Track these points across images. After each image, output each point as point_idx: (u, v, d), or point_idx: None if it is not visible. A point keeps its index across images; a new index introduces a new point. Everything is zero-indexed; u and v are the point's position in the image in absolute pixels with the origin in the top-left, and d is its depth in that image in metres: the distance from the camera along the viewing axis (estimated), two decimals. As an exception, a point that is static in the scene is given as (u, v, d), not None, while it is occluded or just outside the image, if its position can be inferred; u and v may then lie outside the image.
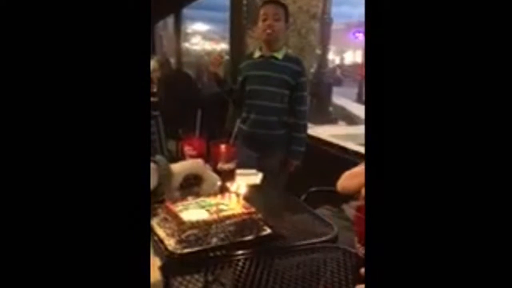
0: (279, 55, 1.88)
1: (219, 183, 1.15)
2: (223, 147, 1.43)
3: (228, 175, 1.28)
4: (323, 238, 0.98)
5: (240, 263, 0.86)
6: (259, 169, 1.47)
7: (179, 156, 1.50)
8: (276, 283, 0.79)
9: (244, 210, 0.98)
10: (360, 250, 0.58)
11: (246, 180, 1.25)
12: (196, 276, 0.82)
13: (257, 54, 1.95)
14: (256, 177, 1.38)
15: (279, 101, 1.86)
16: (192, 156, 1.40)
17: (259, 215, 0.98)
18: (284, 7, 1.89)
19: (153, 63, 3.32)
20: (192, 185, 1.10)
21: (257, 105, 1.88)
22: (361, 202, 1.18)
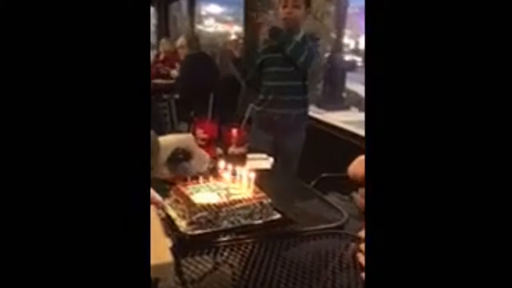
0: (297, 37, 1.88)
1: (208, 163, 1.16)
2: (234, 131, 1.43)
3: (239, 159, 1.29)
4: (333, 224, 0.98)
5: (249, 247, 0.87)
6: (275, 151, 1.48)
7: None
8: (284, 267, 0.80)
9: (254, 195, 0.99)
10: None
11: (256, 164, 1.26)
12: (206, 257, 0.84)
13: None
14: (266, 162, 1.39)
15: (298, 80, 1.87)
16: (203, 139, 1.41)
17: (269, 200, 0.99)
18: None
19: (181, 39, 3.30)
20: (180, 160, 1.10)
21: (276, 86, 1.90)
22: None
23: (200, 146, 1.40)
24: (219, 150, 1.41)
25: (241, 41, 3.11)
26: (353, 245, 0.88)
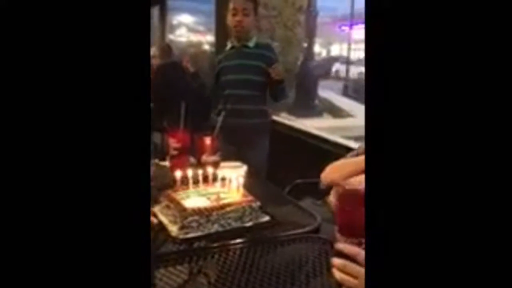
0: (250, 43, 1.89)
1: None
2: (207, 139, 1.43)
3: (213, 168, 1.28)
4: (306, 229, 0.99)
5: (223, 254, 0.86)
6: (239, 161, 1.47)
7: (164, 149, 1.49)
8: (258, 273, 0.80)
9: (244, 198, 1.02)
10: (340, 240, 0.59)
11: (230, 172, 1.25)
12: (180, 267, 0.82)
13: (228, 46, 1.96)
14: (240, 170, 1.38)
15: (256, 90, 1.86)
16: (176, 149, 1.39)
17: (258, 203, 1.01)
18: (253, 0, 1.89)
19: (153, 49, 3.24)
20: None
21: (233, 95, 1.88)
22: (341, 193, 1.20)
23: (173, 155, 1.38)
24: (192, 159, 1.40)
25: (211, 49, 3.11)
26: (327, 249, 0.89)
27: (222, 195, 1.03)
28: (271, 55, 1.90)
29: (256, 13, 1.91)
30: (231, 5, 1.86)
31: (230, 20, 1.87)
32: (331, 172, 1.34)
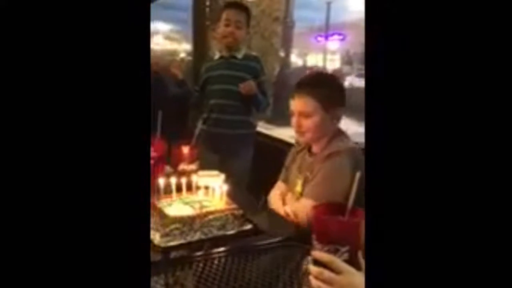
0: (239, 55, 1.90)
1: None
2: (185, 148, 1.42)
3: (190, 176, 1.27)
4: (285, 237, 1.00)
5: (201, 264, 0.86)
6: (221, 171, 1.47)
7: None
8: (236, 283, 0.80)
9: (227, 206, 1.02)
10: (317, 247, 0.60)
11: (207, 181, 1.25)
12: (155, 278, 0.81)
13: (217, 55, 1.97)
14: (218, 178, 1.38)
15: (241, 100, 1.87)
16: (153, 158, 1.38)
17: (241, 211, 1.02)
18: (247, 11, 1.90)
19: None
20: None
21: (219, 104, 1.88)
22: (316, 204, 1.22)
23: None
24: (168, 168, 1.38)
25: (189, 57, 3.10)
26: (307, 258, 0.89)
27: (205, 203, 1.03)
28: (258, 67, 1.92)
29: (248, 25, 1.92)
30: (224, 16, 1.87)
31: (222, 30, 1.88)
32: (273, 203, 1.36)
